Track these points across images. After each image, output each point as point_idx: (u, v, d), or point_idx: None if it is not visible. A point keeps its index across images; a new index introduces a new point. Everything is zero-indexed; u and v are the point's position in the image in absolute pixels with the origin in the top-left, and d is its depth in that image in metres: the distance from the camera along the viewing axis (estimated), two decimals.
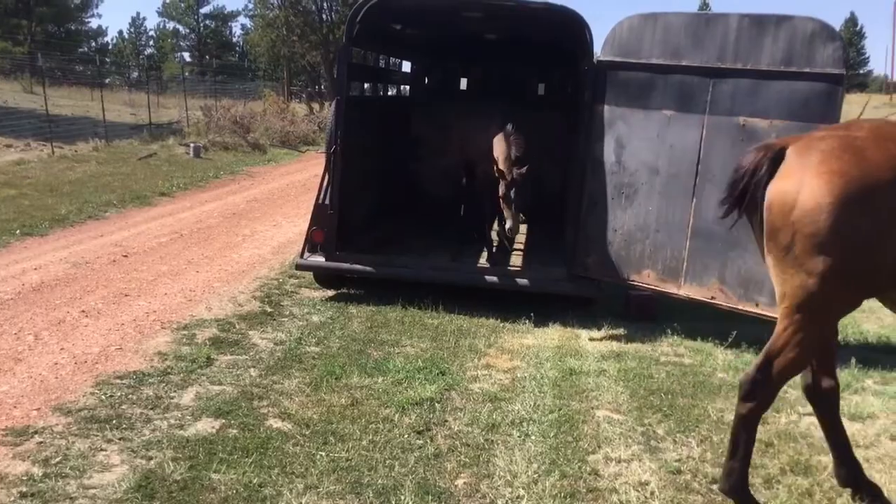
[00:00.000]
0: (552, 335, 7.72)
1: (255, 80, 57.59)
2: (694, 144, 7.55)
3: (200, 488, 4.37)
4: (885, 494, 4.52)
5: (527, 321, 7.97)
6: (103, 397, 5.61)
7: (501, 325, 7.93)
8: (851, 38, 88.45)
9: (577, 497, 4.48)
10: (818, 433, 5.49)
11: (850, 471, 4.48)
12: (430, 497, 4.39)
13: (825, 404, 4.40)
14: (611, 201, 8.05)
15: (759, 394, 4.07)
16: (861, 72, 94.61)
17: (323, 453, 4.85)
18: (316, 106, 42.53)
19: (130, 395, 5.66)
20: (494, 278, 8.48)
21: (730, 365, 6.92)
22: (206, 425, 5.22)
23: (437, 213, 11.30)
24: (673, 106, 7.66)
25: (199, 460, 4.68)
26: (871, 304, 4.75)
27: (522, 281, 8.42)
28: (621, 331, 7.82)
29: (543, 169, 10.23)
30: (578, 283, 8.30)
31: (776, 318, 6.99)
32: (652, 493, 4.55)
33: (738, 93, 7.34)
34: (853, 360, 6.97)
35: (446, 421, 5.48)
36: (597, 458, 5.00)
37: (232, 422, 5.28)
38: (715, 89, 7.44)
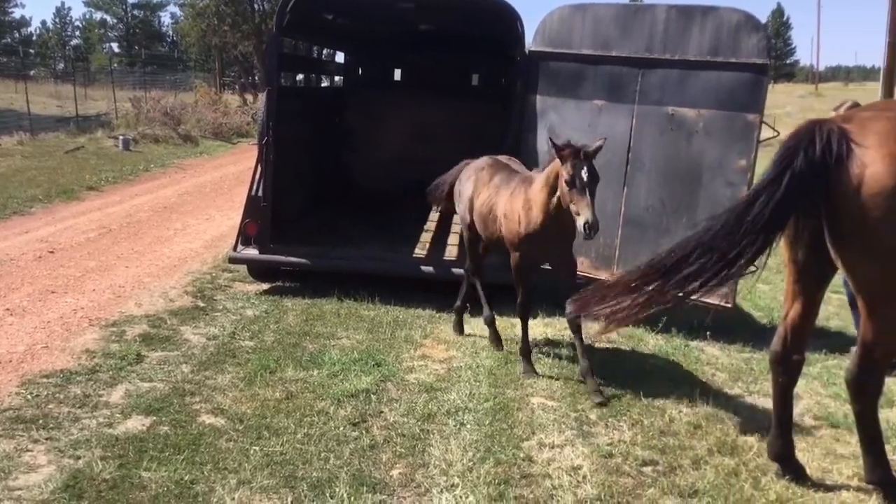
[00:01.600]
0: None
1: (186, 71, 56.34)
2: (624, 134, 7.67)
3: (130, 487, 4.29)
4: (808, 472, 4.68)
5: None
6: (29, 397, 5.46)
7: (438, 315, 7.95)
8: (778, 28, 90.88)
9: (511, 483, 4.52)
10: (745, 413, 5.66)
11: (785, 445, 4.65)
12: (364, 489, 4.38)
13: (787, 376, 4.56)
14: None
15: (867, 387, 4.23)
16: (788, 62, 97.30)
17: (256, 448, 4.80)
18: (249, 97, 41.87)
19: (57, 394, 5.52)
20: (430, 269, 8.48)
21: (660, 350, 7.07)
22: (136, 423, 5.12)
23: (371, 203, 11.27)
24: (603, 96, 7.77)
25: (129, 458, 4.59)
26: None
27: (458, 271, 8.42)
28: (556, 319, 7.90)
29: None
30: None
31: (706, 305, 7.13)
32: (584, 477, 4.62)
33: (667, 83, 7.47)
34: None
35: (382, 412, 5.47)
36: (531, 444, 5.06)
37: (163, 419, 5.19)
38: (644, 79, 7.56)
